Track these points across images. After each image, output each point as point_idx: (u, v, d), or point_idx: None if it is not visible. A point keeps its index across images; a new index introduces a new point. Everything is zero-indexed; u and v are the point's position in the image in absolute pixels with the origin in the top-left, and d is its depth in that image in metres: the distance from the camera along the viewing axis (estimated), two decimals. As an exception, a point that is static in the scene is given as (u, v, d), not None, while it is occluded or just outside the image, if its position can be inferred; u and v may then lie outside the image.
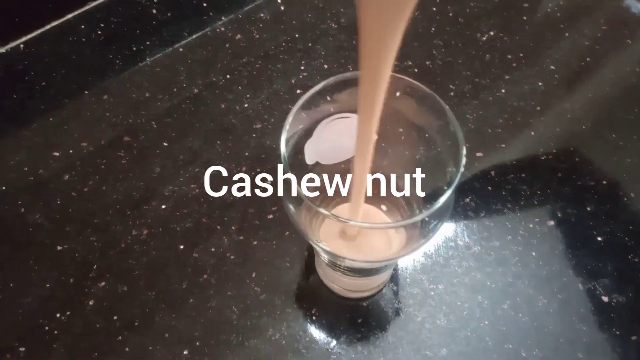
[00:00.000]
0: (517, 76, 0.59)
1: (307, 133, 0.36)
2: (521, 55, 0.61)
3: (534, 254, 0.48)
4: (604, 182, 0.52)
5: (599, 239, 0.49)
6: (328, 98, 0.34)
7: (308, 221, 0.33)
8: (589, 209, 0.51)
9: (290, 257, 0.48)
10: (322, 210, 0.27)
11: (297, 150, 0.36)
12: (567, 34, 0.63)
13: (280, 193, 0.51)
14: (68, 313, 0.45)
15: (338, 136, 0.38)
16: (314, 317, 0.45)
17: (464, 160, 0.29)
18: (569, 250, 0.49)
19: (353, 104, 0.33)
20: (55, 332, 0.44)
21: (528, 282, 0.47)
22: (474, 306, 0.46)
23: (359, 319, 0.45)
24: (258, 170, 0.52)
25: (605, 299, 0.46)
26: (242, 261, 0.47)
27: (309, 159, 0.37)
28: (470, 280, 0.47)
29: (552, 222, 0.50)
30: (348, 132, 0.37)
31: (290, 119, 0.31)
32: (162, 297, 0.45)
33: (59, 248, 0.48)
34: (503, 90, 0.58)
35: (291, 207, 0.32)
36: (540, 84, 0.59)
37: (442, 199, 0.27)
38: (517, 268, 0.47)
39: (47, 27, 0.62)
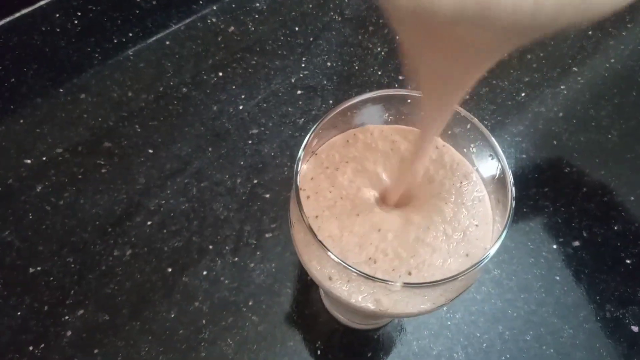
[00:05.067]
0: (538, 78, 0.55)
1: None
2: (541, 55, 0.56)
3: (558, 278, 0.44)
4: (632, 198, 0.48)
5: (628, 261, 0.45)
6: (340, 120, 0.29)
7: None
8: (616, 227, 0.47)
9: (291, 282, 0.43)
10: (346, 263, 0.23)
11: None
12: (590, 32, 0.59)
13: (280, 207, 0.46)
14: (42, 346, 0.40)
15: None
16: (318, 351, 0.41)
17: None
18: (595, 274, 0.45)
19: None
20: (28, 368, 0.39)
21: (552, 310, 0.43)
22: (494, 337, 0.42)
23: (369, 352, 0.41)
24: (255, 181, 0.47)
25: (635, 328, 0.43)
26: (237, 286, 0.42)
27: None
28: (490, 309, 0.43)
29: (577, 243, 0.46)
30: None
31: (302, 150, 0.26)
32: (148, 328, 0.41)
33: (31, 271, 0.43)
34: (523, 94, 0.54)
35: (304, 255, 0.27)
36: (562, 87, 0.54)
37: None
38: (540, 294, 0.43)
39: (17, 15, 0.55)
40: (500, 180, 0.29)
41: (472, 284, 0.28)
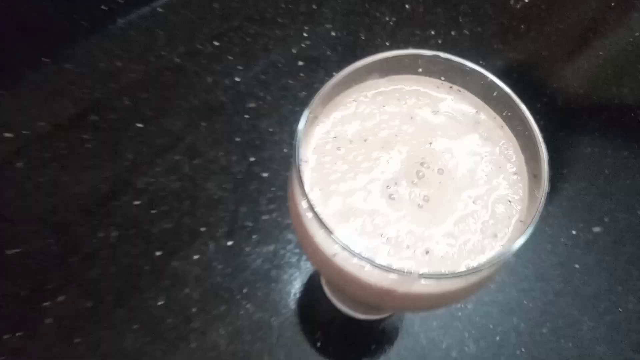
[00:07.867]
0: (556, 52, 0.51)
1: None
2: (560, 27, 0.53)
3: (577, 266, 0.42)
4: (658, 180, 0.45)
5: (653, 249, 0.42)
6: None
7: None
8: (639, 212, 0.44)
9: (290, 267, 0.40)
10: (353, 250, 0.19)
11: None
12: (612, 3, 0.55)
13: (278, 187, 0.43)
14: (19, 334, 0.37)
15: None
16: (318, 343, 0.38)
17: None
18: (617, 262, 0.42)
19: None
20: (3, 357, 0.36)
21: (571, 301, 0.40)
22: (508, 330, 0.39)
23: (373, 345, 0.38)
24: (251, 159, 0.45)
25: (660, 322, 0.40)
26: (231, 272, 0.40)
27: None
28: (505, 299, 0.40)
29: (598, 229, 0.43)
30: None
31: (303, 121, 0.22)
32: (134, 316, 0.38)
33: (8, 253, 0.40)
34: (540, 69, 0.50)
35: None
36: (582, 62, 0.51)
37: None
38: (558, 284, 0.41)
39: (-2, -21, 0.52)
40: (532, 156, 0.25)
41: (495, 274, 0.25)
